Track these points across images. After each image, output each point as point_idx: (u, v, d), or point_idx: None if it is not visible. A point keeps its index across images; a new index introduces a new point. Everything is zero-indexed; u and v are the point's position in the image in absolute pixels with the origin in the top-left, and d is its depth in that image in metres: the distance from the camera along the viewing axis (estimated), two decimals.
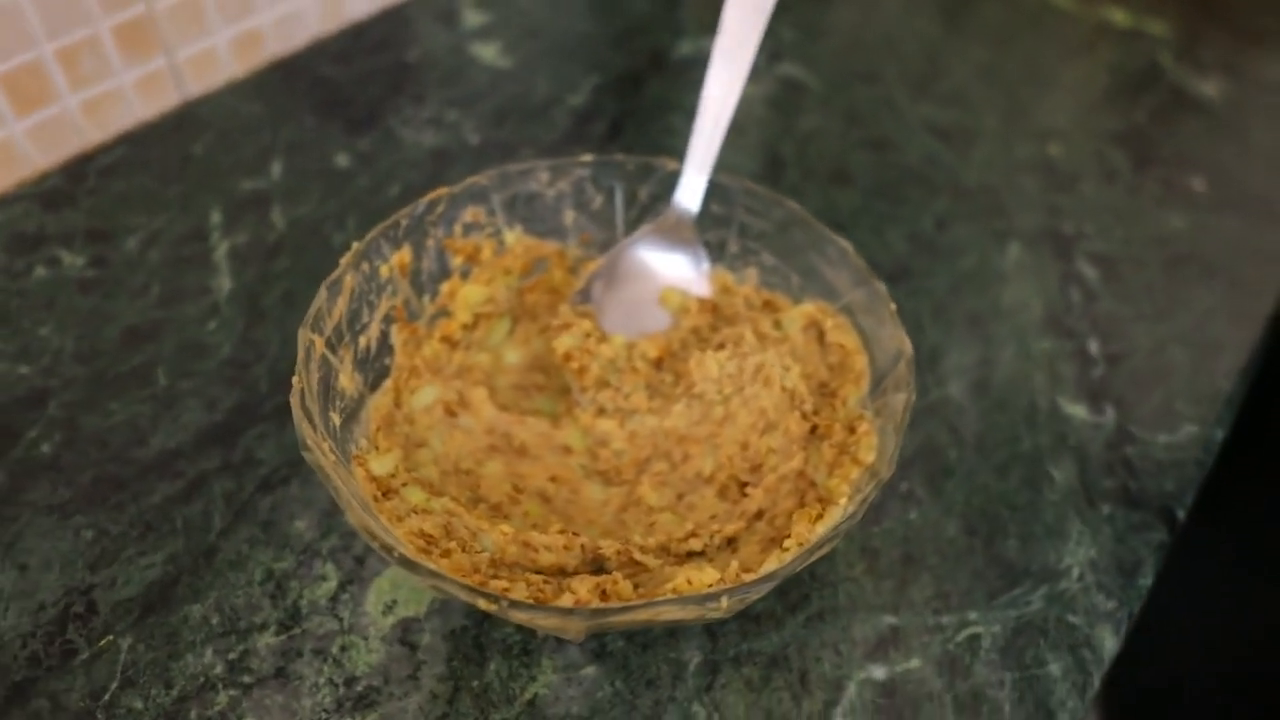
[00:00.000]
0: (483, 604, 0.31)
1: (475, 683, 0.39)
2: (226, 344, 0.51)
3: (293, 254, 0.55)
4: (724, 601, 0.31)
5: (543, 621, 0.32)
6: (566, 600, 0.33)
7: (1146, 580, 0.43)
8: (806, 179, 0.62)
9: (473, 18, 0.75)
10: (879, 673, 0.40)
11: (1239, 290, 0.57)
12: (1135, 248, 0.59)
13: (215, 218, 0.57)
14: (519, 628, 0.40)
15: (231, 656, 0.39)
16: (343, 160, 0.62)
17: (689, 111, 0.67)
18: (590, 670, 0.39)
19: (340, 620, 0.41)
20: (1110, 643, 0.41)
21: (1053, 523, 0.45)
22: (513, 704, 0.38)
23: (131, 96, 0.62)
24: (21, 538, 0.42)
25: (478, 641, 0.40)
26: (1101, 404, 0.50)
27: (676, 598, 0.31)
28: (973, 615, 0.42)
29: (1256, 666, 0.54)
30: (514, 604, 0.31)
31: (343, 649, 0.40)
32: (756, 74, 0.70)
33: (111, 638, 0.39)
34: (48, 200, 0.58)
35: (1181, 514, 0.46)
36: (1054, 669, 0.40)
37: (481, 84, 0.69)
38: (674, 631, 0.41)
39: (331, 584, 0.42)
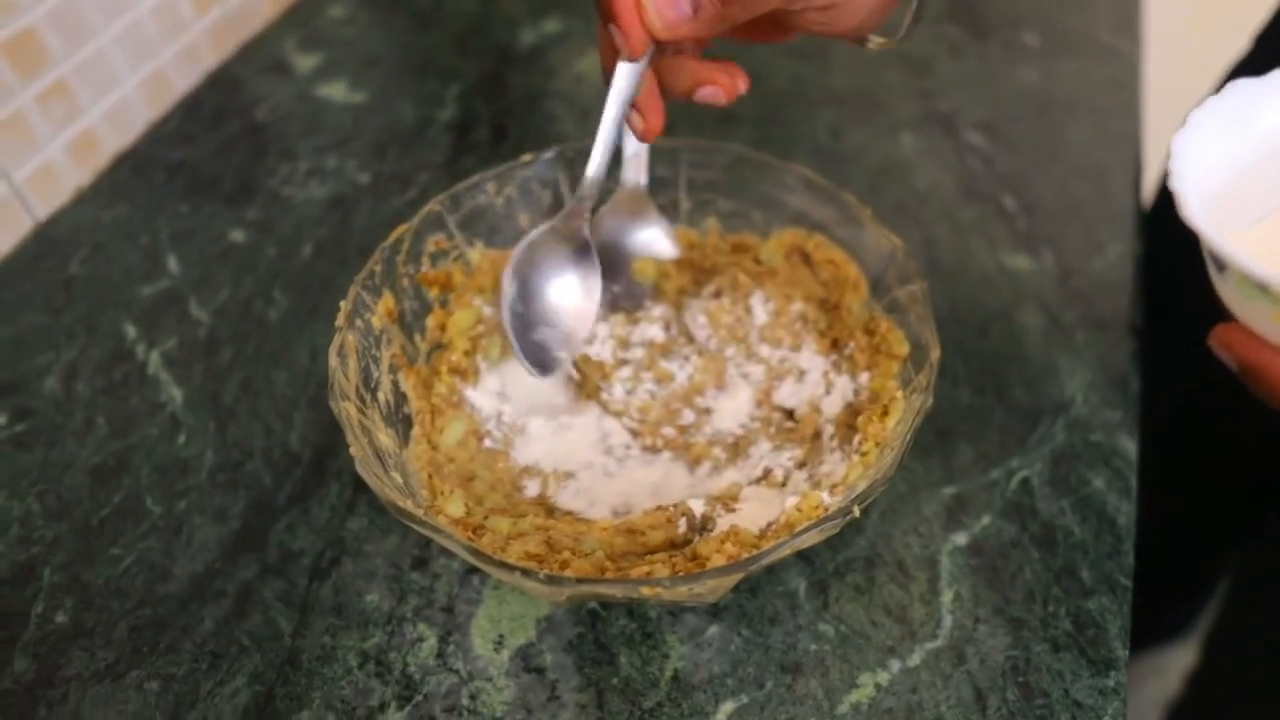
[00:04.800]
0: (646, 591, 0.32)
1: (614, 680, 0.39)
2: (207, 451, 0.48)
3: (233, 342, 0.52)
4: (856, 509, 0.33)
5: (700, 588, 0.33)
6: (717, 560, 0.34)
7: (1137, 385, 0.48)
8: (698, 131, 0.64)
9: (305, 62, 0.72)
10: (961, 539, 0.43)
11: (1101, 118, 0.64)
12: (1005, 107, 0.64)
13: (130, 331, 0.53)
14: (632, 616, 0.41)
15: None
16: (239, 236, 0.59)
17: (562, 96, 0.68)
18: (714, 630, 0.40)
19: (457, 672, 0.40)
20: (1130, 446, 0.46)
21: (1043, 363, 0.49)
22: (658, 686, 0.39)
23: None
24: (79, 716, 0.39)
25: (599, 642, 0.40)
26: (1037, 250, 0.55)
27: (818, 519, 0.33)
28: (1015, 462, 0.45)
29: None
30: (675, 579, 0.32)
31: (472, 697, 0.39)
32: None
33: None
34: None
35: (1140, 322, 0.51)
36: (1098, 483, 0.45)
37: (345, 124, 0.66)
38: (772, 568, 0.42)
39: (432, 641, 0.41)
